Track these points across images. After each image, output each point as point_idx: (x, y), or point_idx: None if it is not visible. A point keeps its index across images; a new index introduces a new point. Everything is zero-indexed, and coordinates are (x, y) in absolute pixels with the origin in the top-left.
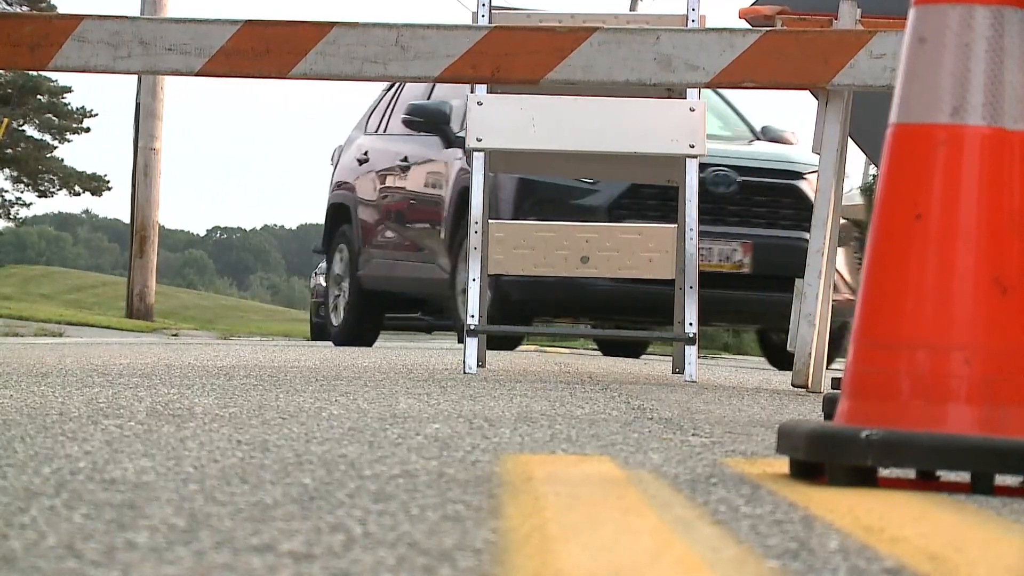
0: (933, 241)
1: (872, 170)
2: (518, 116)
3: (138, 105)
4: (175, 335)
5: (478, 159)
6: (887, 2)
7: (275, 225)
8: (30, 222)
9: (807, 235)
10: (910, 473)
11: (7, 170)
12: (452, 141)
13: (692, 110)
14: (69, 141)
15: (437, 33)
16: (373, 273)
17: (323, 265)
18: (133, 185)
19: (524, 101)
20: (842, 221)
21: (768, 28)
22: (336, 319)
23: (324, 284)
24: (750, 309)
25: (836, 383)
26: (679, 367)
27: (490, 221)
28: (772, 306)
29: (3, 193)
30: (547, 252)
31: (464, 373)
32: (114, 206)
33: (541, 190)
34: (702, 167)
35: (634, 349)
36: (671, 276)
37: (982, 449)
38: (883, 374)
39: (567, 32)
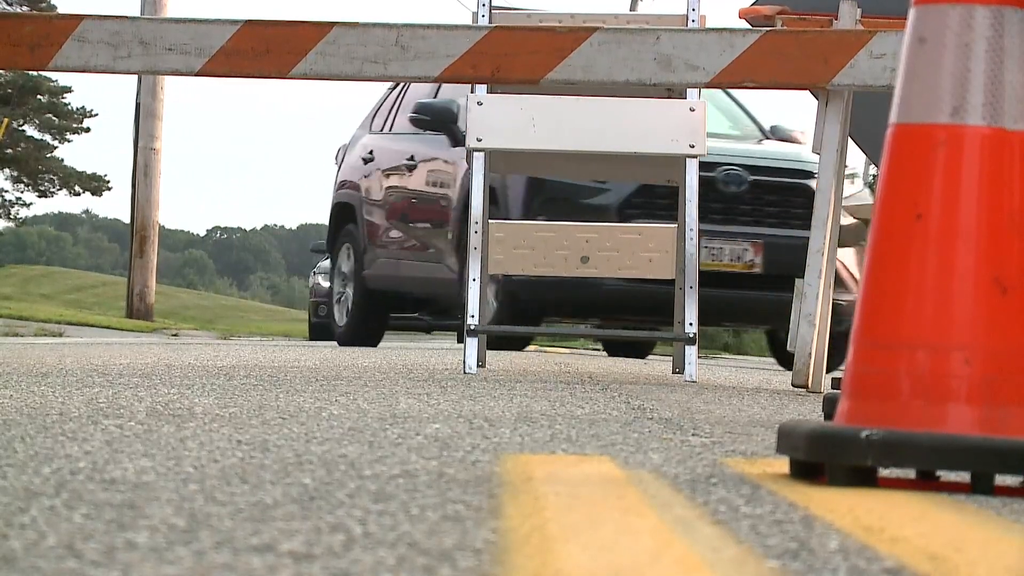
0: (933, 241)
1: (872, 170)
2: (518, 116)
3: (138, 105)
4: (175, 335)
5: (478, 159)
6: (887, 2)
7: (275, 225)
8: (30, 222)
9: None
10: (910, 473)
11: (7, 170)
12: (459, 140)
13: (692, 110)
14: (69, 141)
15: (437, 33)
16: (379, 273)
17: (322, 264)
18: (133, 185)
19: (524, 101)
20: (853, 220)
21: (768, 28)
22: (341, 319)
23: (323, 284)
24: (761, 309)
25: (836, 383)
26: (679, 367)
27: (490, 221)
28: (783, 306)
29: (3, 193)
30: (547, 252)
31: (464, 373)
32: (114, 206)
33: (551, 189)
34: (713, 166)
35: (640, 350)
36: (671, 276)
37: (982, 449)
38: (883, 374)
39: (567, 32)
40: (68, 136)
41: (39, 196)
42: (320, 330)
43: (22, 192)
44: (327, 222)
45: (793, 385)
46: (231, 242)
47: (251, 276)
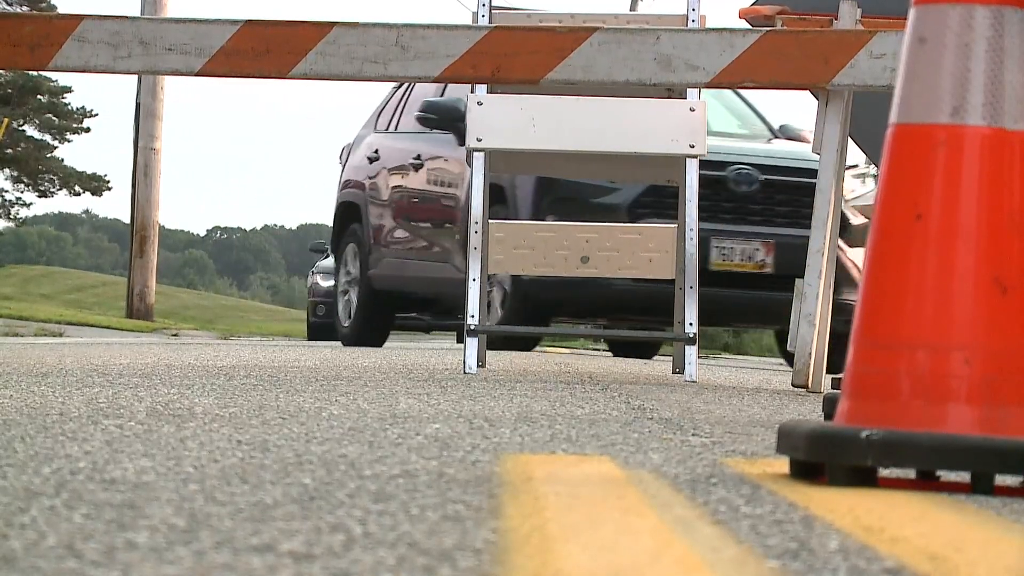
0: (933, 241)
1: (872, 170)
2: (518, 116)
3: (138, 105)
4: (175, 335)
5: (478, 159)
6: (887, 2)
7: (275, 225)
8: (30, 222)
9: None
10: (910, 473)
11: (7, 170)
12: None
13: (692, 110)
14: (69, 141)
15: (437, 33)
16: (384, 273)
17: (320, 263)
18: (133, 185)
19: (524, 101)
20: (865, 220)
21: (768, 28)
22: (346, 319)
23: (322, 283)
24: (773, 310)
25: (836, 383)
26: (679, 367)
27: (490, 221)
28: None
29: (3, 193)
30: (547, 252)
31: (464, 373)
32: (114, 206)
33: (560, 189)
34: (724, 165)
35: (645, 350)
36: (671, 276)
37: (982, 449)
38: (883, 374)
39: (567, 32)
40: (68, 136)
41: (39, 196)
42: (319, 330)
43: (22, 192)
44: (329, 222)
45: (793, 385)
46: (231, 242)
47: (251, 276)
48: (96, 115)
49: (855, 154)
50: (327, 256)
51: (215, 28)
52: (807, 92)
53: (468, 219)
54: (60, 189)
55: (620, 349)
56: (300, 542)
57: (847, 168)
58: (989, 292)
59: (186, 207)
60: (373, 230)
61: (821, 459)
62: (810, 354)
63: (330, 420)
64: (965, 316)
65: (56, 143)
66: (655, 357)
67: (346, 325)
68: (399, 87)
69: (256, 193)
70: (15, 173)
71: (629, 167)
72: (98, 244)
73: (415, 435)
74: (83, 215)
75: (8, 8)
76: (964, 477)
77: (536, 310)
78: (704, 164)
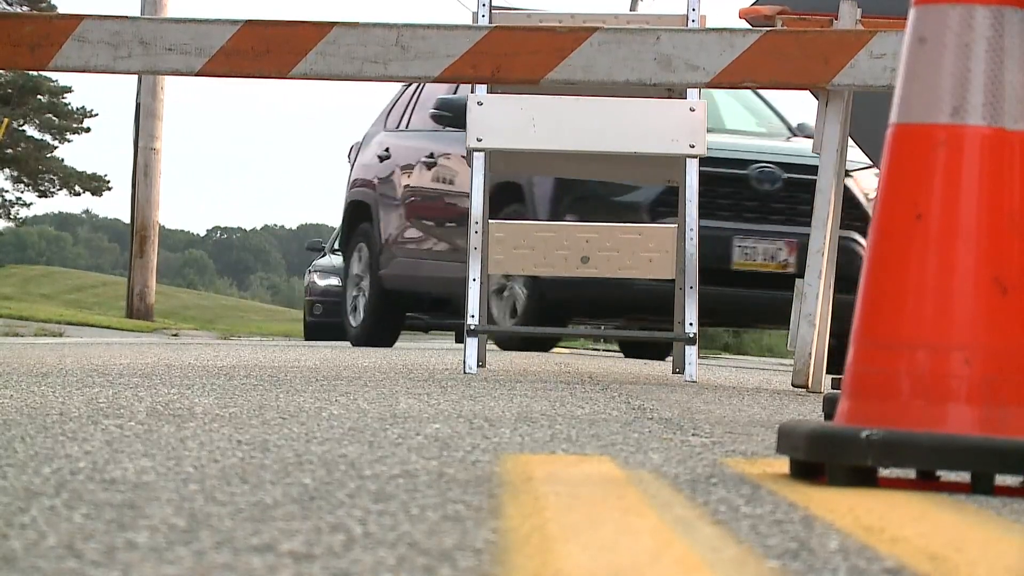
0: (933, 241)
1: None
2: (518, 116)
3: (138, 105)
4: (175, 335)
5: (478, 159)
6: (887, 2)
7: (275, 225)
8: (30, 222)
9: (855, 234)
10: (910, 473)
11: (7, 170)
12: None
13: (692, 110)
14: (69, 141)
15: (437, 33)
16: (396, 272)
17: (317, 262)
18: (133, 185)
19: (524, 101)
20: None
21: (768, 28)
22: (355, 319)
23: (319, 282)
24: None
25: (836, 383)
26: (679, 367)
27: (490, 221)
28: None
29: (3, 193)
30: (547, 252)
31: (464, 373)
32: (114, 206)
33: (580, 187)
34: (746, 164)
35: (659, 351)
36: (671, 276)
37: (982, 449)
38: (883, 374)
39: (567, 32)
40: (68, 136)
41: (39, 196)
42: (316, 329)
43: (22, 192)
44: (330, 222)
45: (793, 385)
46: (231, 242)
47: (251, 276)
48: (96, 115)
49: None
50: (324, 255)
51: (215, 28)
52: (806, 92)
53: (493, 218)
54: (60, 189)
55: (631, 350)
56: (300, 542)
57: (867, 168)
58: (989, 292)
59: (186, 207)
60: (384, 229)
61: (821, 459)
62: (810, 354)
63: (330, 420)
64: (965, 316)
65: (56, 143)
66: (668, 358)
67: (355, 325)
68: (409, 85)
69: (256, 193)
70: (15, 173)
71: (629, 167)
72: (98, 244)
73: (415, 435)
74: (83, 215)
75: (8, 8)
76: (964, 477)
77: (554, 310)
78: (726, 163)
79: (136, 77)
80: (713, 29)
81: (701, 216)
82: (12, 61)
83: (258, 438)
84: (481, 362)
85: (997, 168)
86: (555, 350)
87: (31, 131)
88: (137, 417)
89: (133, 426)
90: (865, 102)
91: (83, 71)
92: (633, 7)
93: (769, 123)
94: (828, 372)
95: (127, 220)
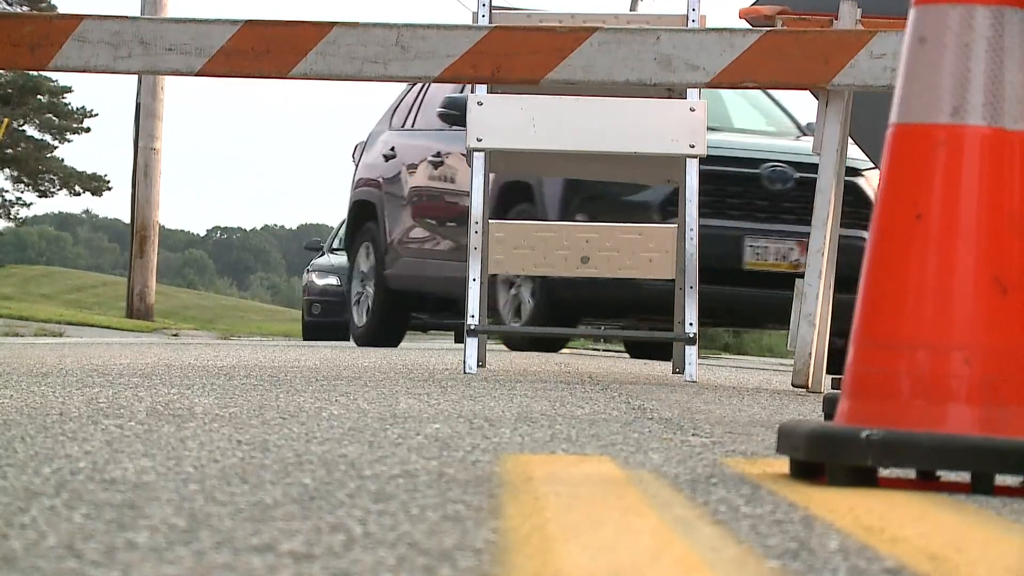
0: (933, 241)
1: None
2: (518, 116)
3: (138, 105)
4: (175, 335)
5: (478, 159)
6: (887, 2)
7: (275, 225)
8: (30, 222)
9: (867, 234)
10: (910, 473)
11: (7, 170)
12: None
13: (692, 110)
14: (69, 141)
15: (437, 33)
16: (402, 272)
17: (316, 261)
18: (133, 185)
19: (524, 101)
20: None
21: (768, 28)
22: (360, 319)
23: (317, 282)
24: None
25: (836, 383)
26: (679, 367)
27: (490, 221)
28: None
29: (3, 193)
30: (547, 252)
31: (464, 373)
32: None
33: (589, 188)
34: (757, 163)
35: (665, 351)
36: (671, 276)
37: (982, 449)
38: (883, 374)
39: (567, 32)
40: (68, 136)
41: (39, 196)
42: (314, 329)
43: (22, 192)
44: (330, 222)
45: (793, 385)
46: (231, 242)
47: (251, 276)
48: (96, 115)
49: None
50: (322, 254)
51: (215, 28)
52: (806, 92)
53: (500, 217)
54: (60, 189)
55: (637, 350)
56: (300, 542)
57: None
58: (989, 292)
59: (186, 207)
60: (390, 229)
61: (821, 459)
62: (810, 354)
63: (330, 420)
64: (965, 316)
65: (56, 143)
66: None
67: (360, 325)
68: (414, 84)
69: (256, 193)
70: (15, 173)
71: (629, 167)
72: (98, 244)
73: (415, 435)
74: (83, 215)
75: (8, 8)
76: (964, 477)
77: (564, 310)
78: (737, 162)
79: (136, 77)
80: (713, 29)
81: (713, 216)
82: (12, 61)
83: (258, 438)
84: (481, 362)
85: (997, 168)
86: (570, 351)
87: (31, 131)
88: (137, 417)
89: (133, 426)
90: (865, 102)
91: (83, 71)
92: (633, 7)
93: (779, 122)
94: (828, 372)
95: (127, 220)
